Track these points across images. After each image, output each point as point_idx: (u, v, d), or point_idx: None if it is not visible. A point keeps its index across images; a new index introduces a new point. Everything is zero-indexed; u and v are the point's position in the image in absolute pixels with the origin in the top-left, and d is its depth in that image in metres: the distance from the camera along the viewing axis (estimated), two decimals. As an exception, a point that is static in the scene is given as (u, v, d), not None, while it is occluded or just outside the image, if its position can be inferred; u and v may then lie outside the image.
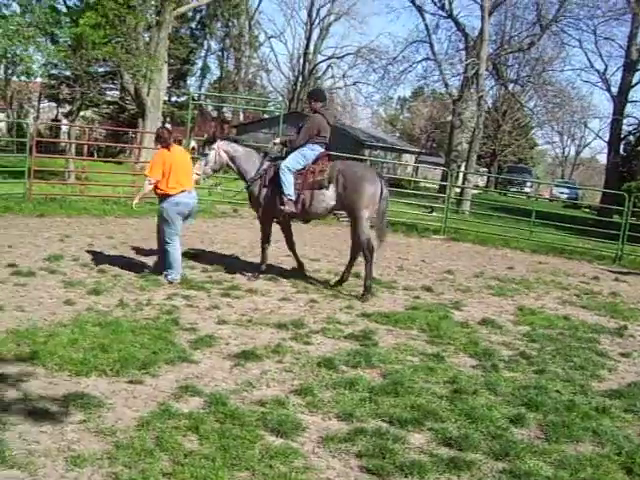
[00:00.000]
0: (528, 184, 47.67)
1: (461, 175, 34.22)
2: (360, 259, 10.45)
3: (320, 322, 8.45)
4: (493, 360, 7.49)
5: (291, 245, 11.13)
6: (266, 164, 10.49)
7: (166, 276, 9.65)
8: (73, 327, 7.13)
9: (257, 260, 11.21)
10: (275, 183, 10.25)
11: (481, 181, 59.59)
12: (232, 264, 11.39)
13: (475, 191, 37.07)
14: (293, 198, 10.18)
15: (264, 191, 10.39)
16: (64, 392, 5.53)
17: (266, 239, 10.75)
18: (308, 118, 10.64)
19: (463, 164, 34.03)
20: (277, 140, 11.17)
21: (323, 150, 10.50)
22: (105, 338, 6.82)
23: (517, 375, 7.13)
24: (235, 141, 10.96)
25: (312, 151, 10.37)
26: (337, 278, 10.86)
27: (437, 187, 35.90)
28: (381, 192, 10.29)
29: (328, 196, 10.25)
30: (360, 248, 10.37)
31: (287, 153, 10.52)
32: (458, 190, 29.59)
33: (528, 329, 9.16)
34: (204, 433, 4.99)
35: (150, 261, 10.53)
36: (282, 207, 10.21)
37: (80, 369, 6.01)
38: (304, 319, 8.45)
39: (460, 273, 13.04)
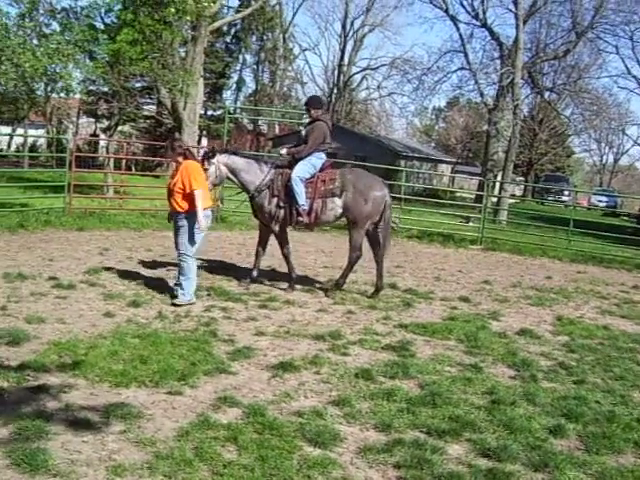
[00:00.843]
0: (566, 193, 47.21)
1: (498, 184, 34.01)
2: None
3: (357, 333, 8.45)
4: (532, 370, 7.43)
5: (264, 246, 10.95)
6: (271, 173, 10.41)
7: (183, 295, 9.17)
8: (113, 339, 7.23)
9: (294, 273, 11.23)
10: (285, 193, 10.28)
11: (518, 190, 59.12)
12: (269, 276, 11.44)
13: (512, 200, 36.77)
14: (306, 208, 10.28)
15: (274, 201, 10.36)
16: (105, 403, 5.61)
17: (285, 246, 10.70)
18: (313, 127, 10.55)
19: (499, 173, 33.84)
20: (284, 150, 10.86)
21: (326, 157, 10.62)
22: (144, 350, 6.91)
23: (556, 386, 7.07)
24: (234, 153, 10.79)
25: (319, 159, 10.49)
26: (372, 289, 10.85)
27: (473, 197, 35.72)
28: (386, 200, 10.63)
29: (337, 204, 10.45)
30: (352, 252, 10.63)
31: (290, 162, 10.48)
32: (495, 200, 29.42)
33: (567, 339, 9.08)
34: (243, 443, 5.02)
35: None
36: (299, 218, 10.32)
37: (120, 380, 6.09)
38: (341, 330, 8.45)
39: (497, 283, 12.95)
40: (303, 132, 10.74)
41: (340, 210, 10.51)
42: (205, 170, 10.02)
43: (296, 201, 10.21)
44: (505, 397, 6.47)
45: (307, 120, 11.14)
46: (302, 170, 10.29)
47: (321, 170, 10.47)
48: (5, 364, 6.31)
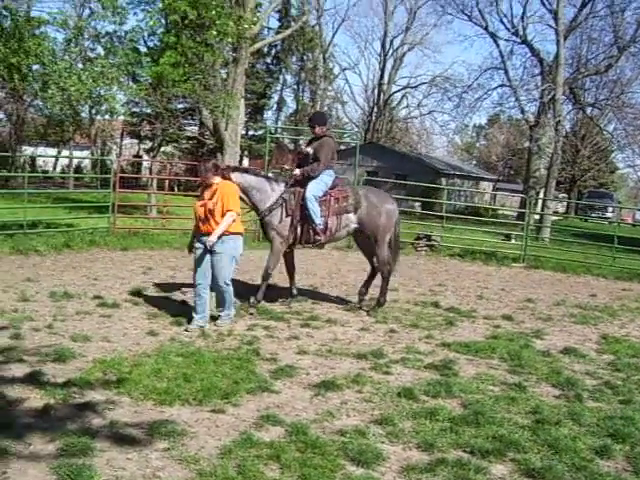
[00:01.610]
0: (610, 209, 46.55)
1: (540, 202, 33.67)
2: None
3: (399, 352, 8.41)
4: (577, 390, 7.32)
5: (292, 265, 11.00)
6: (283, 192, 10.17)
7: (228, 316, 9.21)
8: (157, 357, 7.31)
9: (336, 292, 11.25)
10: (300, 212, 10.18)
11: (561, 207, 58.51)
12: (311, 295, 11.47)
13: (555, 217, 36.36)
14: (323, 227, 10.27)
15: (288, 220, 10.17)
16: (149, 420, 5.67)
17: (273, 267, 10.37)
18: (321, 143, 10.37)
19: (542, 190, 33.53)
20: (297, 171, 10.28)
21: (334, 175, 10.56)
22: (188, 368, 6.97)
23: (602, 405, 6.95)
24: (246, 171, 10.43)
25: (330, 177, 10.42)
26: (414, 307, 10.79)
27: (515, 215, 35.45)
28: (397, 215, 10.85)
29: (351, 220, 10.50)
30: (382, 267, 10.71)
31: (300, 181, 10.20)
32: (537, 217, 29.13)
33: (612, 358, 8.92)
34: (285, 462, 5.03)
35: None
36: (317, 237, 10.28)
37: (164, 398, 6.15)
38: (383, 349, 8.43)
39: (541, 301, 12.81)
40: (309, 150, 10.47)
41: (354, 226, 10.58)
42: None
43: (312, 220, 10.15)
44: (550, 417, 6.38)
45: (311, 137, 10.91)
46: (316, 188, 10.20)
47: (332, 187, 10.42)
48: (51, 381, 6.42)
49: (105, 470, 4.78)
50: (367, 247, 11.02)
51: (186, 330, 8.72)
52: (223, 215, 8.77)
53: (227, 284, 8.97)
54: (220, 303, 9.14)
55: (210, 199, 8.85)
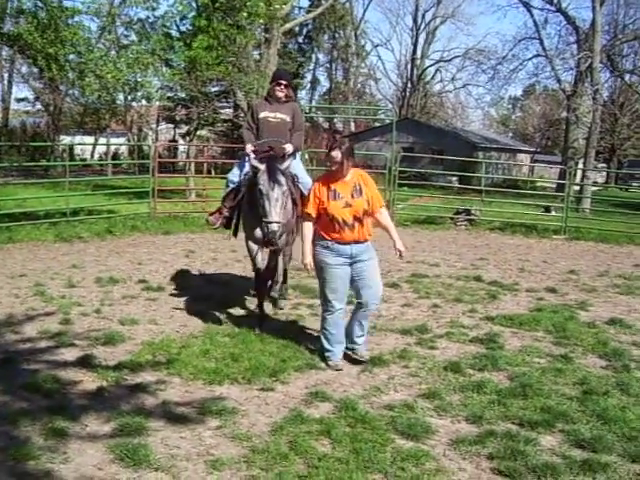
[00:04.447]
0: (651, 178, 45.78)
1: (579, 172, 33.24)
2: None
3: (444, 326, 8.43)
4: (624, 360, 7.25)
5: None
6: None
7: (366, 342, 7.19)
8: (204, 338, 7.43)
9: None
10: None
11: (600, 177, 57.70)
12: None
13: (595, 188, 35.87)
14: None
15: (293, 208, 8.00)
16: (200, 399, 5.78)
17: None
18: (296, 109, 8.58)
19: (580, 161, 33.11)
20: (289, 147, 8.09)
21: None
22: (235, 348, 7.07)
23: (650, 375, 6.91)
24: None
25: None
26: (457, 282, 10.77)
27: (555, 186, 35.08)
28: None
29: None
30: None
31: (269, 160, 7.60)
32: (577, 188, 28.79)
33: (659, 327, 8.84)
34: (336, 437, 5.10)
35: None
36: None
37: (213, 378, 6.26)
38: (427, 324, 8.44)
39: (584, 273, 12.69)
40: (285, 117, 8.32)
41: None
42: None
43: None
44: (597, 387, 6.36)
45: (266, 97, 8.72)
46: (303, 170, 8.66)
47: None
48: (103, 364, 6.57)
49: (160, 449, 4.89)
50: None
51: (336, 369, 6.72)
52: (369, 215, 6.81)
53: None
54: (360, 328, 7.00)
55: (353, 196, 6.65)
